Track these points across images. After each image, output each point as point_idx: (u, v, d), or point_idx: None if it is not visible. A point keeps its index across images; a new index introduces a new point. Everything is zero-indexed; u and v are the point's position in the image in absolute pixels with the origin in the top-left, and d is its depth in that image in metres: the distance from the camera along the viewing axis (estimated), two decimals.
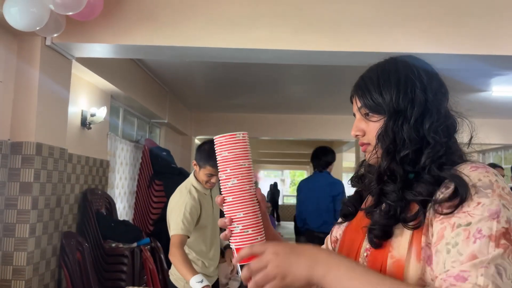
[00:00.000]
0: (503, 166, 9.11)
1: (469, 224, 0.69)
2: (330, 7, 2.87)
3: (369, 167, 0.89)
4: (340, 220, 0.98)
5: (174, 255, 2.12)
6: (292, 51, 2.88)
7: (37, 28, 2.44)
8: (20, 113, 2.82)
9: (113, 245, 3.84)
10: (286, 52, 2.90)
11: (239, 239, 0.78)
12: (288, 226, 13.86)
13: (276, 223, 13.67)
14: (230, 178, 0.79)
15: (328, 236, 1.04)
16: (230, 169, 0.79)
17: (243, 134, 0.81)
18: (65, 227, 3.48)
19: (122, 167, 5.05)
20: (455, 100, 0.85)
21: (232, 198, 0.79)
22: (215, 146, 0.81)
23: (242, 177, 0.80)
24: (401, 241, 0.75)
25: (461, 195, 0.71)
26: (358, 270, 0.68)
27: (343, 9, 2.86)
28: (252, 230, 0.78)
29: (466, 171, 0.74)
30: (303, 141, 10.15)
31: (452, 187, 0.73)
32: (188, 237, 2.18)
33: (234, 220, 0.79)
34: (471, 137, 0.84)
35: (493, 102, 5.99)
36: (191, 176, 2.32)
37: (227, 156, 0.80)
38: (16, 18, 2.34)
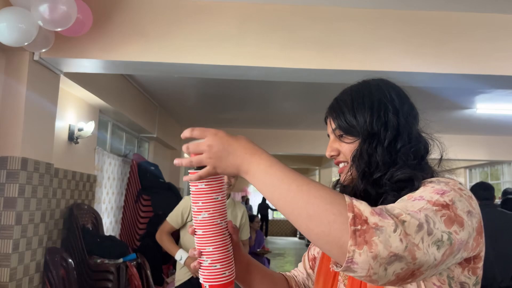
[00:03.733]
0: (489, 181, 9.24)
1: (413, 194, 0.71)
2: (317, 26, 2.92)
3: (343, 187, 0.91)
4: None
5: (158, 239, 2.56)
6: (279, 69, 2.92)
7: (26, 44, 2.44)
8: (5, 127, 2.80)
9: (98, 261, 3.79)
10: (273, 69, 2.94)
11: (207, 273, 0.79)
12: (278, 241, 13.80)
13: (265, 237, 13.59)
14: (201, 212, 0.78)
15: (306, 253, 1.06)
16: (202, 203, 0.78)
17: None
18: (49, 242, 3.43)
19: (109, 181, 5.01)
20: (426, 121, 0.87)
21: (202, 232, 0.78)
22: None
23: (214, 211, 0.78)
24: None
25: (416, 184, 0.74)
26: (276, 167, 0.69)
27: (330, 28, 2.92)
28: (220, 265, 0.79)
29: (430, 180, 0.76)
30: (294, 156, 10.16)
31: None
32: (175, 228, 2.55)
33: (203, 253, 0.79)
34: (441, 157, 0.85)
35: (477, 119, 6.09)
36: None
37: (203, 188, 0.78)
38: (4, 33, 2.34)
